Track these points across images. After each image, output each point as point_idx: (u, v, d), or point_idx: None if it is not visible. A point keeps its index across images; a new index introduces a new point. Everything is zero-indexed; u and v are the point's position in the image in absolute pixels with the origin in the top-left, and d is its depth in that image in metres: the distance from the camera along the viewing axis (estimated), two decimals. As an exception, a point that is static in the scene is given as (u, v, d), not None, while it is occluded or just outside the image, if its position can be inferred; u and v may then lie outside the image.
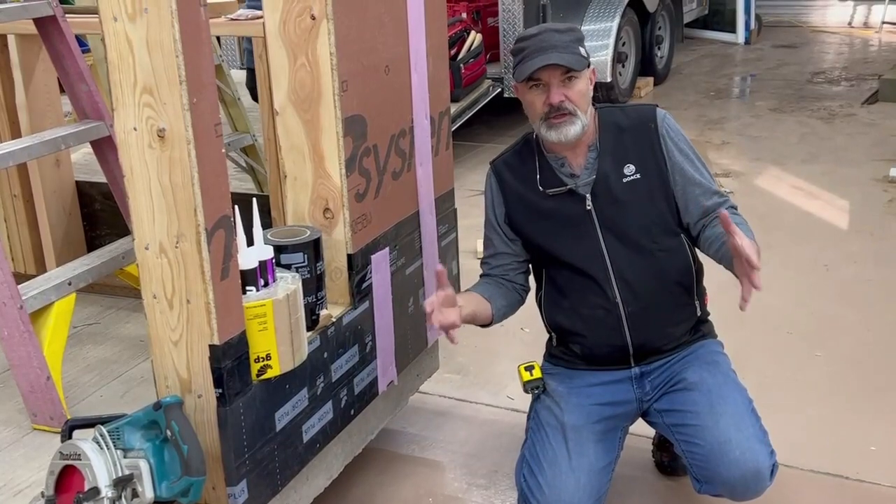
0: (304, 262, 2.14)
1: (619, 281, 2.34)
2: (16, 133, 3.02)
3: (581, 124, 2.28)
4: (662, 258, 2.36)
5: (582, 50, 2.29)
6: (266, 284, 1.98)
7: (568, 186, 2.36)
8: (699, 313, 2.44)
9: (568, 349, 2.47)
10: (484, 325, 2.43)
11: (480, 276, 2.54)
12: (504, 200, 2.46)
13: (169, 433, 1.82)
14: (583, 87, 2.29)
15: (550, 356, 2.55)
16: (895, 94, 7.30)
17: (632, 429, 2.51)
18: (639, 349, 2.38)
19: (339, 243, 2.29)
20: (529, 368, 2.49)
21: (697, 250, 2.42)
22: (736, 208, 2.40)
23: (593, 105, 2.36)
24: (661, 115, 2.39)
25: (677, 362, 2.39)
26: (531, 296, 2.55)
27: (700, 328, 2.45)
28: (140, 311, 2.01)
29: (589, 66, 2.30)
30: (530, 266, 2.53)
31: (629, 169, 2.34)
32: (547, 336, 2.58)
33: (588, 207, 2.34)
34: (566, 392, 2.43)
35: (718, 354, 2.43)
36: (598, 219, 2.34)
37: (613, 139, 2.36)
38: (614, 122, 2.39)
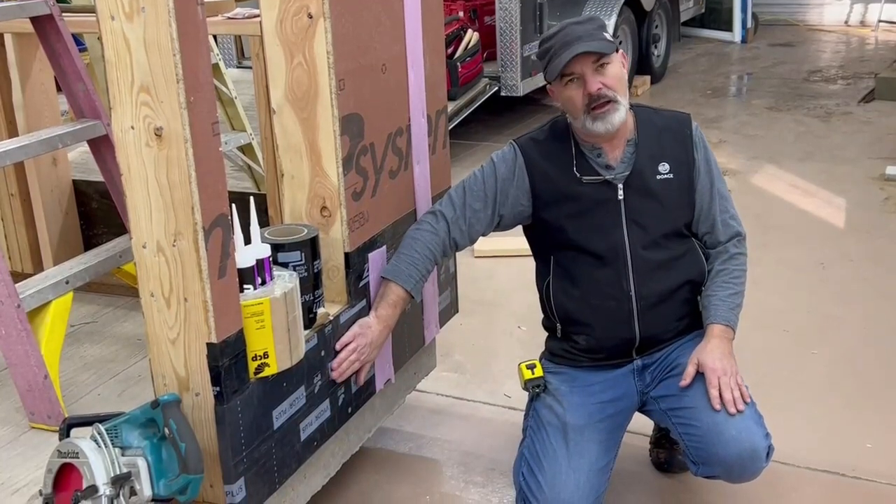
0: (301, 260, 2.14)
1: (636, 274, 2.34)
2: (13, 132, 3.02)
3: (624, 108, 2.28)
4: (679, 258, 2.38)
5: (607, 35, 2.28)
6: (263, 283, 1.98)
7: (604, 177, 2.35)
8: None
9: (571, 342, 2.46)
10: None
11: (431, 214, 2.45)
12: (530, 177, 2.40)
13: (167, 431, 1.82)
14: (617, 71, 2.28)
15: (551, 354, 2.54)
16: (891, 92, 7.32)
17: (630, 426, 2.51)
18: (644, 342, 2.39)
19: (336, 242, 2.30)
20: (531, 367, 2.49)
21: None
22: (744, 237, 2.45)
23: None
24: (695, 124, 2.44)
25: (675, 350, 2.41)
26: (533, 284, 2.54)
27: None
28: (137, 309, 2.01)
29: (618, 50, 2.29)
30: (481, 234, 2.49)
31: (664, 167, 2.36)
32: (545, 334, 2.58)
33: (620, 197, 2.34)
34: (568, 391, 2.43)
35: None
36: (626, 210, 2.34)
37: (652, 137, 2.38)
38: (651, 121, 2.41)
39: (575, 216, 2.37)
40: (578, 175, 2.36)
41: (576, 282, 2.41)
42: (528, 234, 2.53)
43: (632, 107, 2.39)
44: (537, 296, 2.54)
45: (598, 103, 2.25)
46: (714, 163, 2.44)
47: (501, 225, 2.47)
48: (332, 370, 2.21)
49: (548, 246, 2.47)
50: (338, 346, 2.23)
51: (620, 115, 2.27)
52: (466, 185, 2.44)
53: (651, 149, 2.37)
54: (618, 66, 2.29)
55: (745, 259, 2.44)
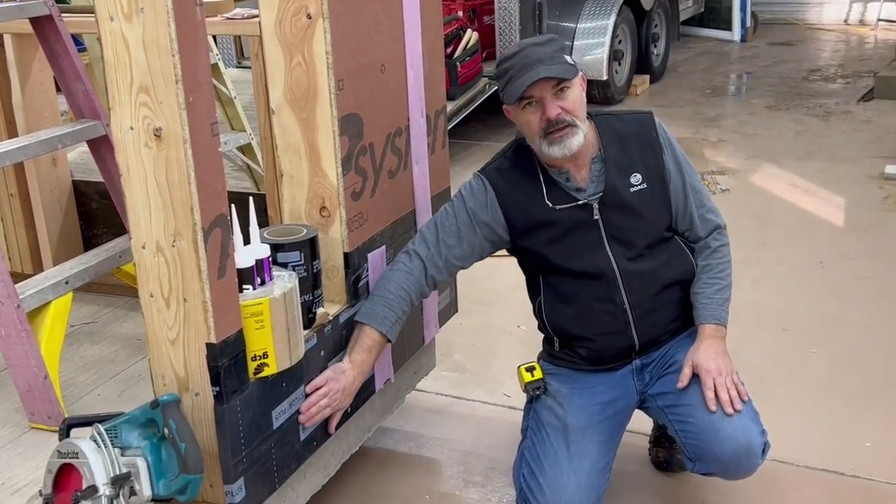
0: (300, 260, 2.14)
1: (627, 287, 2.32)
2: (12, 132, 3.02)
3: (582, 133, 2.24)
4: (667, 261, 2.37)
5: (567, 58, 2.24)
6: (263, 283, 1.99)
7: (579, 202, 2.31)
8: None
9: (572, 352, 2.46)
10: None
11: (405, 254, 2.37)
12: (503, 209, 2.36)
13: (166, 431, 1.82)
14: (577, 96, 2.24)
15: (550, 356, 2.53)
16: (891, 91, 7.31)
17: (629, 426, 2.52)
18: (643, 346, 2.39)
19: (335, 242, 2.30)
20: (530, 369, 2.48)
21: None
22: (724, 227, 2.43)
23: (588, 115, 2.33)
24: (658, 122, 2.39)
25: (672, 347, 2.41)
26: (526, 301, 2.53)
27: None
28: (137, 309, 2.01)
29: (578, 73, 2.26)
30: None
31: (636, 178, 2.33)
32: (542, 335, 2.57)
33: (595, 217, 2.31)
34: (568, 392, 2.43)
35: None
36: (605, 228, 2.32)
37: (618, 148, 2.34)
38: (614, 130, 2.36)
39: (554, 241, 2.34)
40: (551, 205, 2.32)
41: (568, 300, 2.39)
42: (513, 254, 2.49)
43: (592, 117, 2.34)
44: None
45: (555, 128, 2.21)
46: (683, 158, 2.40)
47: (482, 257, 2.43)
48: (300, 414, 2.13)
49: (534, 269, 2.45)
50: (308, 390, 2.15)
51: (578, 139, 2.23)
52: (438, 222, 2.39)
53: (620, 161, 2.33)
54: (577, 89, 2.25)
55: (727, 250, 2.42)
